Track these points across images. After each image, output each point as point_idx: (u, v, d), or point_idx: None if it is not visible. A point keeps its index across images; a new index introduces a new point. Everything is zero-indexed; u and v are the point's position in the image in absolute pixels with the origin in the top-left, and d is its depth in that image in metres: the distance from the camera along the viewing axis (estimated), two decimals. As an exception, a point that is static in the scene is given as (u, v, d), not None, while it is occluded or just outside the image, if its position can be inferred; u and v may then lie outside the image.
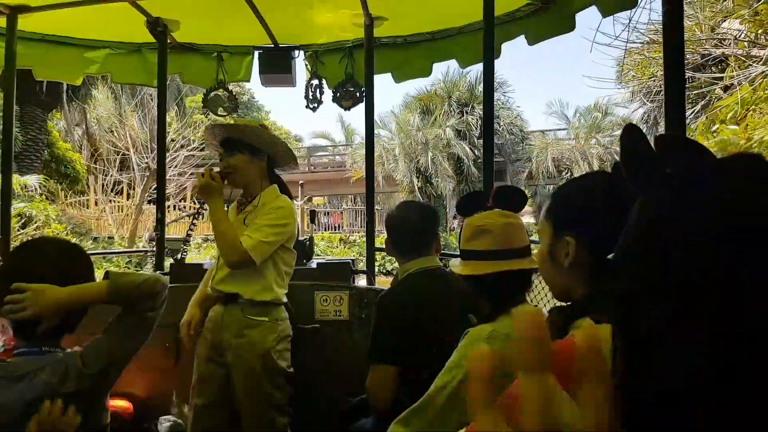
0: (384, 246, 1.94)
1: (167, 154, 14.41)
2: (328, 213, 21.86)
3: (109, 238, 16.17)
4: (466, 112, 19.48)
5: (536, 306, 1.48)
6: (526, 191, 21.75)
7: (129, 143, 16.71)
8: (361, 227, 20.90)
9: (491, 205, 1.45)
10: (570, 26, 2.75)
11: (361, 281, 3.05)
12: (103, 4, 2.86)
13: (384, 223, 1.94)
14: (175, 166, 16.48)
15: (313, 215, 3.20)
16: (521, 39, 2.94)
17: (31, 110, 14.08)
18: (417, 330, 1.66)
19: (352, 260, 3.05)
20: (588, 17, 2.75)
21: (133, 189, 17.06)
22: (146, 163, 16.38)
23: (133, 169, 16.80)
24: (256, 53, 3.42)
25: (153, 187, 16.14)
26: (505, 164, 20.44)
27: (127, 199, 17.70)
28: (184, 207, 18.81)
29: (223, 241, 2.02)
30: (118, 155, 17.29)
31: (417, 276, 1.78)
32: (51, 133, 16.16)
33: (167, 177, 15.27)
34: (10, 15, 2.86)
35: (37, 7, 2.85)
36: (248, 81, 3.58)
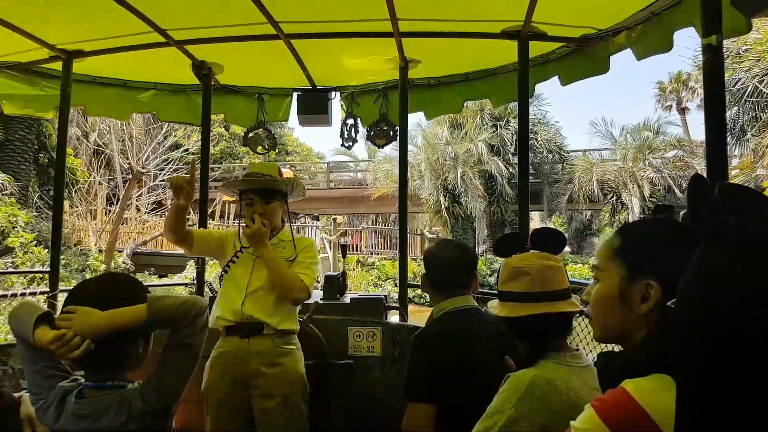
0: (420, 282, 1.94)
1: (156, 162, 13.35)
2: (346, 233, 19.96)
3: (81, 251, 13.61)
4: (500, 126, 17.86)
5: (577, 350, 1.46)
6: (563, 216, 20.54)
7: (113, 141, 14.35)
8: (382, 249, 19.52)
9: (529, 246, 1.45)
10: (604, 68, 2.79)
11: (393, 317, 3.05)
12: (152, 49, 3.03)
13: (423, 259, 1.95)
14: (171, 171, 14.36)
15: (344, 250, 3.26)
16: (554, 80, 2.99)
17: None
18: (453, 368, 1.66)
19: (385, 296, 3.07)
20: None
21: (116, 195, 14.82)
22: (128, 164, 13.90)
23: (113, 171, 14.74)
24: (295, 95, 3.55)
25: (137, 194, 14.59)
26: (543, 185, 18.82)
27: (108, 206, 15.23)
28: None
29: (287, 280, 2.19)
30: (99, 156, 14.83)
31: (453, 315, 1.78)
32: (51, 136, 14.37)
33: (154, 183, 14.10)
34: (66, 59, 3.05)
35: (91, 51, 3.03)
36: (286, 121, 3.70)
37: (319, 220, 18.52)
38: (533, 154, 18.05)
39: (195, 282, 3.51)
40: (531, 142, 17.44)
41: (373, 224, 22.57)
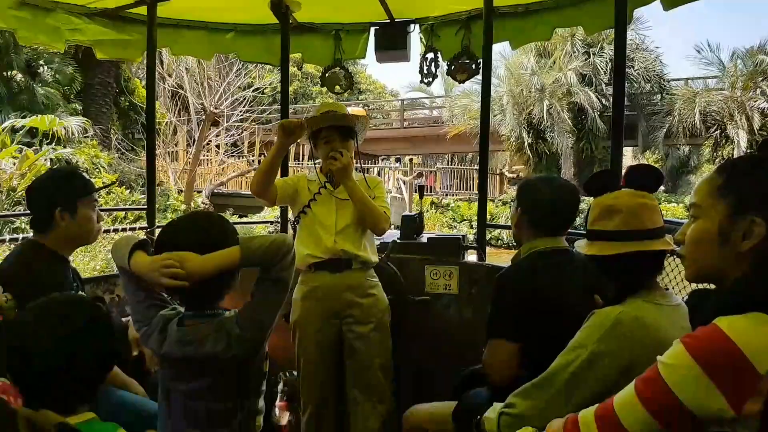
0: (512, 219, 1.86)
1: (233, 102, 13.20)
2: (421, 174, 18.88)
3: (162, 191, 13.10)
4: (593, 54, 15.95)
5: (667, 289, 1.40)
6: (659, 152, 18.82)
7: (185, 83, 13.51)
8: (457, 190, 18.85)
9: (623, 185, 1.38)
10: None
11: (471, 257, 3.03)
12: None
13: (520, 196, 1.84)
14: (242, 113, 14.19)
15: (422, 191, 3.23)
16: (656, 4, 2.70)
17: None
18: (539, 308, 1.63)
19: (463, 236, 3.05)
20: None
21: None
22: (201, 104, 13.50)
23: (189, 113, 14.06)
24: (372, 30, 3.46)
25: (215, 133, 14.38)
26: (638, 119, 16.75)
27: (186, 147, 14.95)
28: (254, 159, 15.91)
29: (375, 212, 2.30)
30: (175, 98, 14.10)
31: (543, 255, 1.73)
32: (130, 80, 14.59)
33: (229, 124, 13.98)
34: (151, 3, 3.14)
35: (174, -4, 3.10)
36: (363, 58, 3.63)
37: (400, 162, 18.11)
38: (628, 83, 15.99)
39: (279, 220, 3.63)
40: (627, 70, 15.88)
41: (448, 164, 21.60)
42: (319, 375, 2.35)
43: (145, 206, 3.34)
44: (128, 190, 12.14)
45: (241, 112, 14.31)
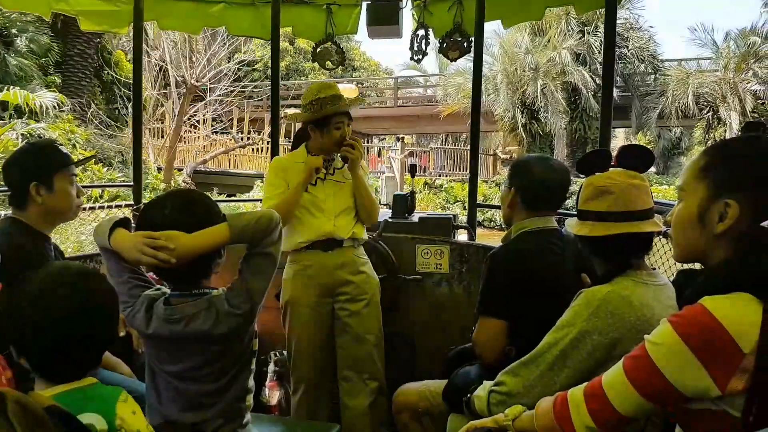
0: (503, 198, 1.85)
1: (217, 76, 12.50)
2: (412, 153, 18.34)
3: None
4: (588, 32, 15.71)
5: (654, 269, 1.41)
6: (651, 133, 18.77)
7: (166, 54, 12.70)
8: (451, 170, 18.52)
9: (615, 165, 1.39)
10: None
11: (461, 236, 3.04)
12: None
13: (513, 176, 1.82)
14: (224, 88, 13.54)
15: (414, 169, 3.21)
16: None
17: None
18: (528, 287, 1.64)
19: (454, 215, 3.06)
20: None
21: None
22: (182, 77, 12.56)
23: (169, 85, 13.20)
24: (364, 4, 3.40)
25: (194, 109, 13.66)
26: (632, 99, 16.75)
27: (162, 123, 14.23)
28: (241, 137, 15.54)
29: (375, 205, 2.39)
30: (161, 73, 13.31)
31: (533, 234, 1.74)
32: (113, 53, 13.70)
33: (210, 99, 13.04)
34: (138, -27, 3.05)
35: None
36: (355, 33, 3.57)
37: (402, 141, 17.70)
38: (623, 63, 16.13)
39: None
40: (621, 50, 15.67)
41: (443, 144, 21.35)
42: (310, 354, 2.36)
43: (123, 184, 3.30)
44: (106, 168, 11.46)
45: (225, 85, 13.66)
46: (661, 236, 1.99)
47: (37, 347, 1.05)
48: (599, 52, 15.19)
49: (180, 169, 13.47)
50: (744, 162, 0.98)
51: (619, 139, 23.28)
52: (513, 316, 1.65)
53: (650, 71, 16.93)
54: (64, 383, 1.07)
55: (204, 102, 13.95)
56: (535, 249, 1.70)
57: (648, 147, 1.46)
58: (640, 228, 1.31)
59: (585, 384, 1.10)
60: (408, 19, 3.42)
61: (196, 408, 1.36)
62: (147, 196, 9.57)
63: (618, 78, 16.81)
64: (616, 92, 16.05)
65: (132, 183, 3.31)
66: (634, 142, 17.67)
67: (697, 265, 1.10)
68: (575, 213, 1.46)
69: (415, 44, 3.37)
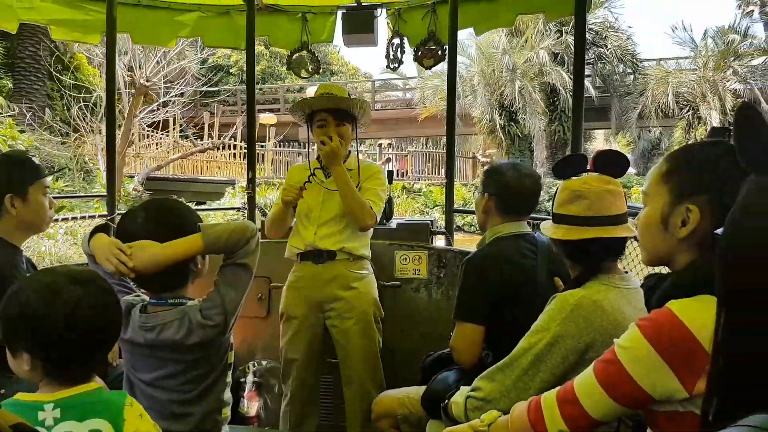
0: (477, 203, 1.88)
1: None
2: (389, 159, 17.42)
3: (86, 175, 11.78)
4: (566, 32, 15.41)
5: (626, 272, 1.44)
6: (630, 134, 18.74)
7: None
8: (430, 174, 18.39)
9: (590, 169, 1.41)
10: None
11: (439, 242, 3.05)
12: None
13: (487, 182, 1.86)
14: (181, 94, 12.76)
15: (390, 176, 3.22)
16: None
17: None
18: (503, 292, 1.67)
19: (431, 221, 3.07)
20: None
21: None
22: (130, 76, 11.55)
23: (118, 82, 11.35)
24: (339, 13, 3.42)
25: (146, 109, 12.69)
26: (611, 99, 16.72)
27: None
28: (202, 142, 14.50)
29: (358, 205, 2.18)
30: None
31: (507, 240, 1.77)
32: (66, 54, 12.92)
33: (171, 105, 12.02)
34: (110, -19, 3.01)
35: (134, -27, 2.98)
36: (331, 41, 3.58)
37: (381, 147, 17.30)
38: (602, 63, 16.30)
39: (246, 207, 3.56)
40: (600, 50, 15.94)
41: (423, 148, 21.31)
42: (297, 367, 2.32)
43: (96, 194, 3.25)
44: (51, 177, 10.37)
45: (181, 87, 12.88)
46: (633, 240, 2.03)
47: (50, 342, 1.01)
48: (578, 52, 15.49)
49: (132, 176, 12.66)
50: (704, 167, 0.99)
51: (598, 140, 23.51)
52: (489, 320, 1.67)
53: (629, 71, 17.02)
54: (71, 384, 1.05)
55: (157, 104, 13.04)
56: (509, 254, 1.73)
57: (625, 151, 1.48)
58: (613, 233, 1.34)
59: (558, 388, 1.11)
60: (383, 27, 3.45)
61: (168, 418, 1.35)
62: (94, 207, 8.82)
63: (597, 78, 16.97)
64: (594, 93, 16.25)
65: (105, 194, 3.26)
66: (612, 145, 17.80)
67: (666, 269, 1.12)
68: (549, 216, 1.49)
69: (391, 53, 3.41)
